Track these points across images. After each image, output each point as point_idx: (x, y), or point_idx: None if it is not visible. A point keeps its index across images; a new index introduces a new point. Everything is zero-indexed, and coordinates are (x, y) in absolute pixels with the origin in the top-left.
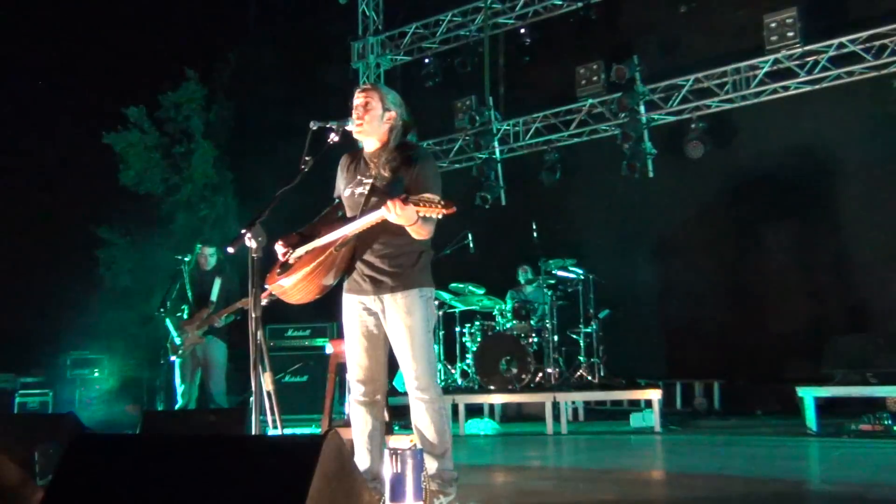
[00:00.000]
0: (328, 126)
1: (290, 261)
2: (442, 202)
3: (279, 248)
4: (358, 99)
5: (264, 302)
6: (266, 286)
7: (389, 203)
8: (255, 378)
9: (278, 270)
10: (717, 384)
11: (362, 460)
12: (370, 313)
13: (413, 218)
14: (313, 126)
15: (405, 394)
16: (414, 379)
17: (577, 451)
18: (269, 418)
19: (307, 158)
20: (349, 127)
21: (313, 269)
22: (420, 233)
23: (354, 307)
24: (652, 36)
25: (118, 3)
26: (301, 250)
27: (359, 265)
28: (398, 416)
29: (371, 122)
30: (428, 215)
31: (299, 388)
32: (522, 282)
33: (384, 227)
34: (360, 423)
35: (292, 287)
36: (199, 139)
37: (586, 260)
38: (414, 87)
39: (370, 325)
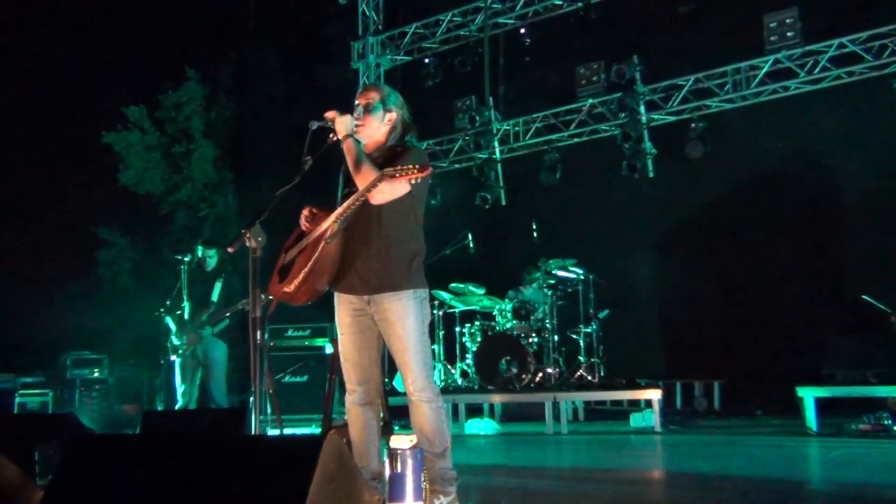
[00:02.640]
0: (328, 126)
1: (286, 261)
2: (417, 166)
3: (303, 219)
4: (359, 100)
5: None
6: (270, 297)
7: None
8: (255, 378)
9: (278, 279)
10: (717, 384)
11: (362, 460)
12: (363, 313)
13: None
14: (313, 126)
15: (405, 394)
16: (411, 380)
17: (577, 451)
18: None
19: (307, 158)
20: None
21: (312, 267)
22: (379, 193)
23: (347, 307)
24: (652, 36)
25: (119, 3)
26: (294, 251)
27: (351, 265)
28: (398, 416)
29: (371, 124)
30: (410, 181)
31: (299, 388)
32: (528, 281)
33: (375, 227)
34: (358, 424)
35: (296, 290)
36: (199, 139)
37: (586, 260)
38: (414, 87)
39: (363, 325)
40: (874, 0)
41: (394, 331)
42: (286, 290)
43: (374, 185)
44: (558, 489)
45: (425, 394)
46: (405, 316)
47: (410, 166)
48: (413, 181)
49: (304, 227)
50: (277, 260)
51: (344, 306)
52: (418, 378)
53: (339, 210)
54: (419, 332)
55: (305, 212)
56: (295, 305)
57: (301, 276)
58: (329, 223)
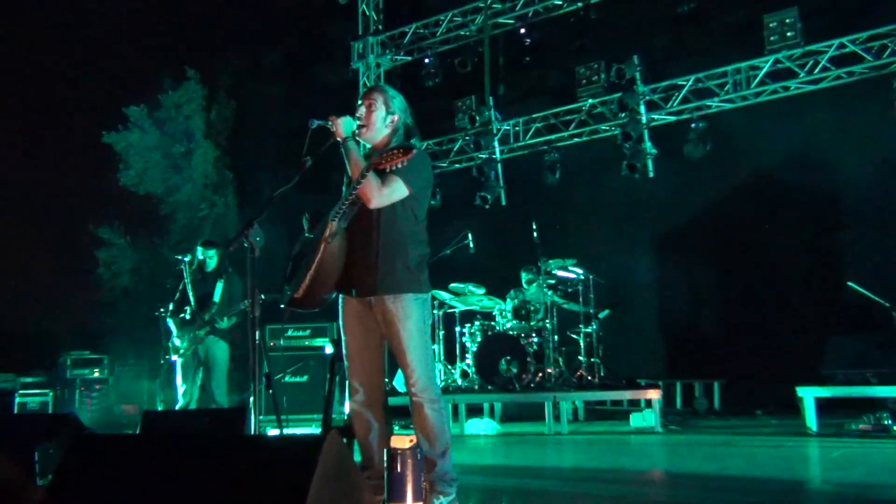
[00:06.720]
0: (328, 125)
1: (293, 269)
2: (400, 149)
3: (305, 226)
4: (362, 100)
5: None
6: (282, 306)
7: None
8: (255, 378)
9: (287, 289)
10: (717, 384)
11: (369, 462)
12: (365, 315)
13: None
14: (313, 124)
15: (405, 394)
16: (413, 381)
17: (577, 451)
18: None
19: (306, 158)
20: (352, 128)
21: (317, 270)
22: (374, 191)
23: (350, 309)
24: (652, 36)
25: (119, 4)
26: (299, 258)
27: (353, 268)
28: (398, 416)
29: (374, 125)
30: (393, 167)
31: (299, 388)
32: (525, 282)
33: (374, 229)
34: (363, 426)
35: (305, 296)
36: (199, 139)
37: (586, 260)
38: (414, 87)
39: (366, 326)
40: (874, 0)
41: (395, 332)
42: (295, 296)
43: (363, 175)
44: (558, 489)
45: (427, 395)
46: (406, 317)
47: (394, 150)
48: (400, 164)
49: (307, 234)
50: (286, 270)
51: (347, 308)
52: (420, 379)
53: (336, 207)
54: (421, 333)
55: (307, 217)
56: (306, 310)
57: (307, 281)
58: (327, 221)
